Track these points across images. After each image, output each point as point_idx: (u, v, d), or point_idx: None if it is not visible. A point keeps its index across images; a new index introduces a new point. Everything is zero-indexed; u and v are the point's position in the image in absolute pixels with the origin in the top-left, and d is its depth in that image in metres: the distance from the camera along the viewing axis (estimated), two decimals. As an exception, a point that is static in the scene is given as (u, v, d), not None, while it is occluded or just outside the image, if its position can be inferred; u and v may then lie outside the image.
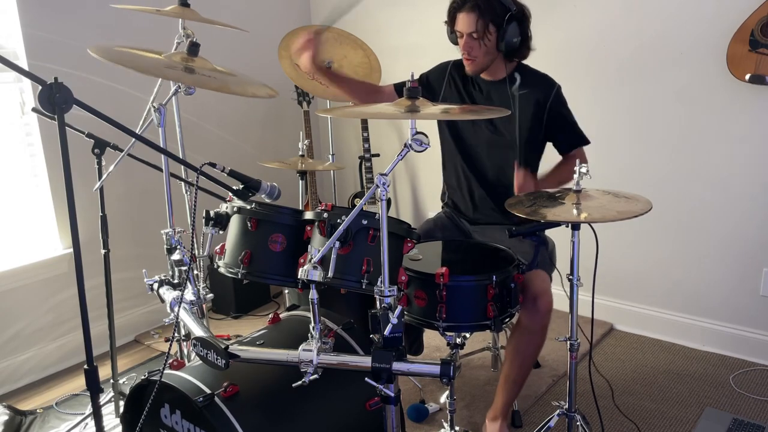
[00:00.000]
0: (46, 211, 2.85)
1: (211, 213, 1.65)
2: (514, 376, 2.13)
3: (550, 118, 2.21)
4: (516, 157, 2.22)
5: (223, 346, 1.50)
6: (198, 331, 1.64)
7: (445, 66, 2.35)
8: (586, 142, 2.26)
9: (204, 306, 1.97)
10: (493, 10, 2.07)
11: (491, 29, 2.08)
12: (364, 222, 1.46)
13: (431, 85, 2.36)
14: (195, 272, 1.99)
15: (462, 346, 2.36)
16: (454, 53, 2.26)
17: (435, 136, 2.39)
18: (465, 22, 2.09)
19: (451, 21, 2.16)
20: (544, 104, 2.19)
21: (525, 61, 2.26)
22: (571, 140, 2.26)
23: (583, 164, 1.83)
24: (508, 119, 2.20)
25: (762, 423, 2.27)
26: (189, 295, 1.87)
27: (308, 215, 1.54)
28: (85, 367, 1.32)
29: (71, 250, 1.61)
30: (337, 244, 1.41)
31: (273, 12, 3.72)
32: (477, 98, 2.26)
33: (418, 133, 1.35)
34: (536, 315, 2.01)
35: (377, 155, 3.72)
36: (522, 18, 2.12)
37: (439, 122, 2.38)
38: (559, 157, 2.31)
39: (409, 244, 1.56)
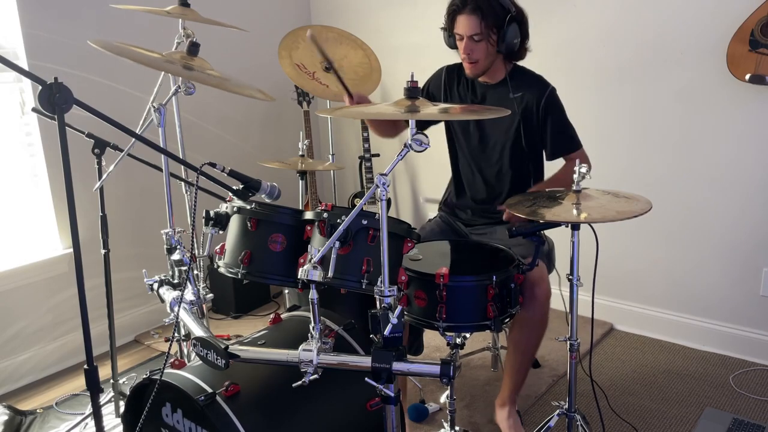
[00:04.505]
0: (46, 211, 2.84)
1: (211, 213, 1.64)
2: (518, 365, 2.15)
3: (542, 121, 2.17)
4: (510, 161, 2.21)
5: (222, 346, 1.50)
6: (198, 331, 1.64)
7: (440, 73, 2.35)
8: (577, 147, 2.20)
9: (204, 306, 1.97)
10: (494, 12, 2.05)
11: (493, 31, 2.06)
12: (364, 222, 1.45)
13: (432, 95, 2.35)
14: (195, 272, 1.99)
15: (462, 346, 2.36)
16: (454, 53, 2.26)
17: (437, 137, 2.39)
18: (466, 24, 2.07)
19: (450, 23, 2.13)
20: (537, 106, 2.16)
21: (520, 62, 2.25)
22: (561, 145, 2.19)
23: (582, 164, 1.83)
24: (503, 122, 2.19)
25: (762, 423, 2.27)
26: (189, 295, 1.86)
27: (308, 215, 1.54)
28: (85, 367, 1.32)
29: (71, 250, 1.61)
30: (337, 244, 1.41)
31: (273, 12, 3.72)
32: (471, 101, 2.25)
33: (418, 133, 1.34)
34: (534, 303, 2.01)
35: (377, 155, 3.72)
36: (521, 19, 2.11)
37: (446, 124, 2.38)
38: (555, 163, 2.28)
39: (409, 244, 1.56)
